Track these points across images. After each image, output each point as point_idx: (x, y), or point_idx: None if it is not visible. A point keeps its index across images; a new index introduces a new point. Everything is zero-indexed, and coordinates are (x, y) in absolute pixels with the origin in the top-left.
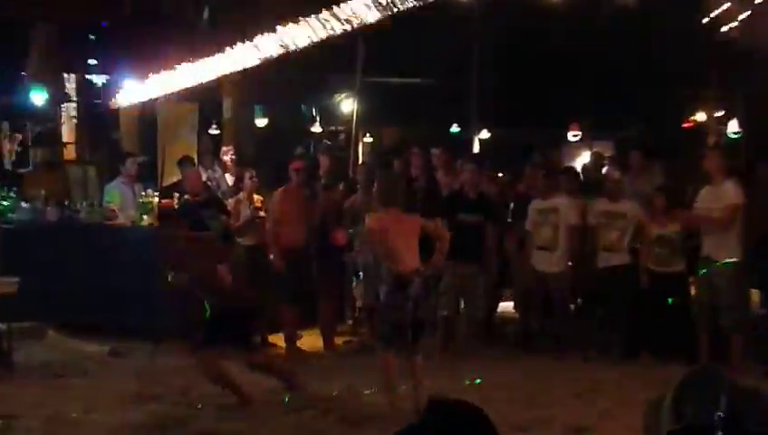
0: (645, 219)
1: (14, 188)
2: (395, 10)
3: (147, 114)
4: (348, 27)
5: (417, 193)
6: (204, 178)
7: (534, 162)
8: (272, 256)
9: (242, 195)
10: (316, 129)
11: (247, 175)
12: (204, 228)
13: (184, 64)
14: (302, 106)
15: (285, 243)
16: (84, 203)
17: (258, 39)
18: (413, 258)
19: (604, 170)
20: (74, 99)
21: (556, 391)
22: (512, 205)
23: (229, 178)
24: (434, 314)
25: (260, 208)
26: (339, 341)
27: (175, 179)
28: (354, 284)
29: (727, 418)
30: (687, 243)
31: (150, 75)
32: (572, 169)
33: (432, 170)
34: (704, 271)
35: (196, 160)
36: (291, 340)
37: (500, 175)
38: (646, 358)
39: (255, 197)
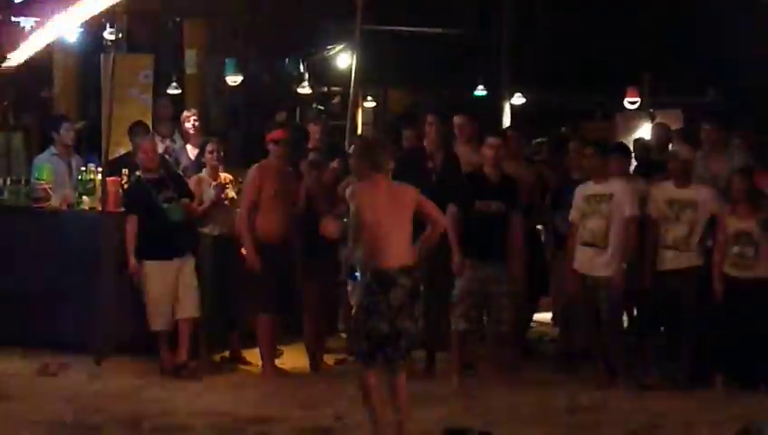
0: (721, 210)
1: None
2: None
3: (88, 67)
4: None
5: (432, 175)
6: (160, 149)
7: (581, 136)
8: (244, 251)
9: (204, 172)
10: (304, 90)
11: (208, 147)
12: (159, 215)
13: None
14: (287, 60)
15: (262, 234)
16: (7, 181)
17: None
18: (402, 249)
19: (670, 147)
20: None
21: (605, 428)
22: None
23: (192, 151)
24: (416, 324)
25: (225, 188)
26: (329, 359)
27: (123, 151)
28: (350, 287)
29: None
30: None
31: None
32: (625, 147)
33: (451, 146)
34: None
35: (150, 127)
36: (269, 356)
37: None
38: (719, 385)
39: (223, 175)
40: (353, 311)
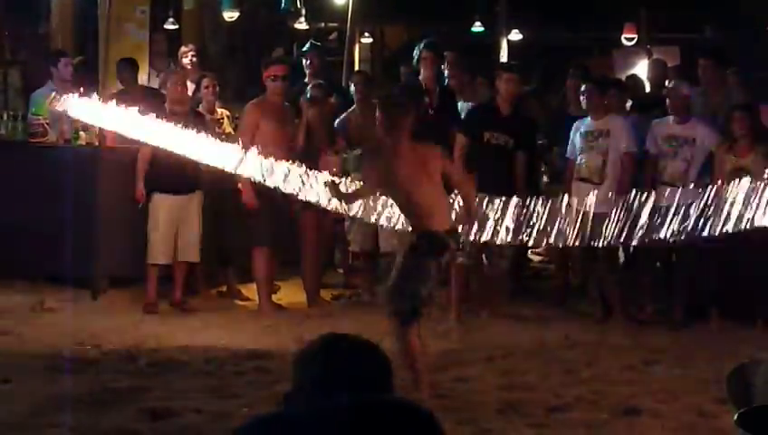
0: (718, 147)
1: None
2: None
3: (84, 3)
4: None
5: (429, 110)
6: (155, 85)
7: (577, 72)
8: (240, 186)
9: (201, 108)
10: (301, 25)
11: (204, 82)
12: None
13: None
14: None
15: None
16: (4, 116)
17: None
18: (445, 210)
19: (667, 84)
20: None
21: (602, 363)
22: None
23: (189, 87)
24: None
25: (220, 123)
26: (326, 294)
27: (121, 87)
28: (347, 223)
29: None
30: None
31: None
32: (622, 83)
33: (447, 81)
34: None
35: (138, 64)
36: (265, 292)
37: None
38: (715, 320)
39: (220, 111)
40: (394, 269)
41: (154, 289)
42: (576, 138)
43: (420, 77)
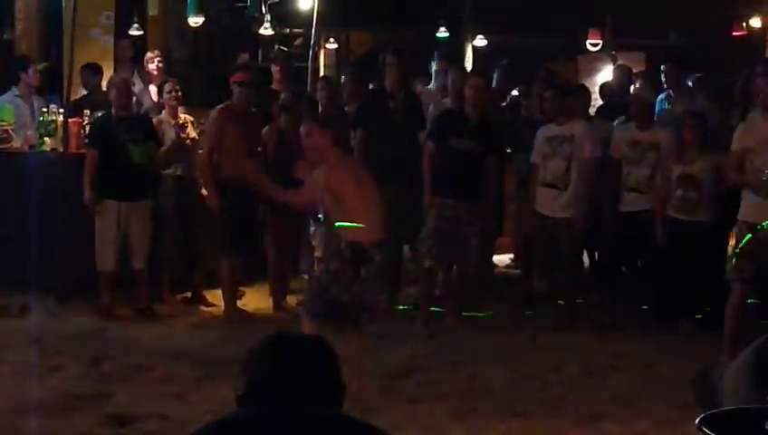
0: (669, 152)
1: None
2: None
3: (49, 9)
4: None
5: (394, 114)
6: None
7: (542, 78)
8: (204, 192)
9: (164, 114)
10: (266, 31)
11: (166, 87)
12: (122, 154)
13: None
14: (248, 1)
15: (223, 176)
16: None
17: None
18: (377, 224)
19: (632, 90)
20: None
21: (566, 369)
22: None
23: (154, 92)
24: (377, 295)
25: (185, 128)
26: (291, 300)
27: (85, 92)
28: (312, 229)
29: None
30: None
31: None
32: (585, 89)
33: (411, 85)
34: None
35: (102, 69)
36: (231, 298)
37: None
38: (684, 326)
39: (183, 116)
40: (317, 271)
41: (107, 295)
42: (540, 143)
43: (386, 82)
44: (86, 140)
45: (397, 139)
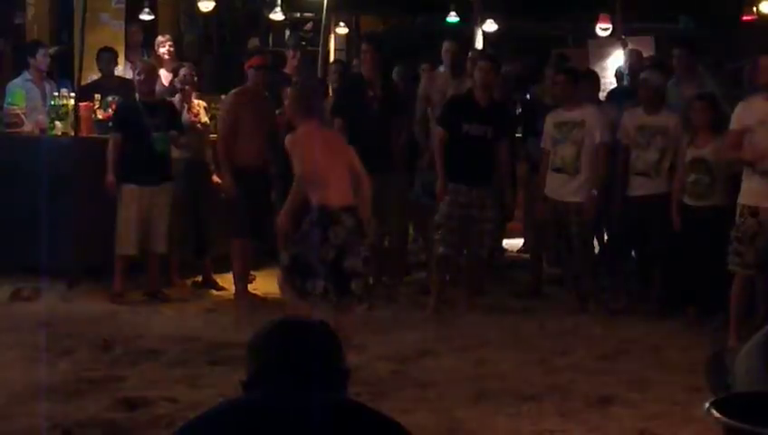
0: (682, 138)
1: None
2: None
3: None
4: None
5: (373, 102)
6: (130, 76)
7: (553, 63)
8: (216, 178)
9: (177, 97)
10: (276, 15)
11: (182, 71)
12: (146, 140)
13: None
14: None
15: (239, 160)
16: None
17: None
18: (344, 190)
19: (641, 74)
20: None
21: (576, 353)
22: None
23: (165, 77)
24: (362, 262)
25: (197, 114)
26: None
27: (95, 77)
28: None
29: None
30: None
31: None
32: (595, 74)
33: (389, 72)
34: None
35: (118, 54)
36: (241, 281)
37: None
38: (690, 313)
39: (196, 101)
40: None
41: (121, 280)
42: (550, 128)
43: (362, 70)
44: (110, 124)
45: (376, 126)
